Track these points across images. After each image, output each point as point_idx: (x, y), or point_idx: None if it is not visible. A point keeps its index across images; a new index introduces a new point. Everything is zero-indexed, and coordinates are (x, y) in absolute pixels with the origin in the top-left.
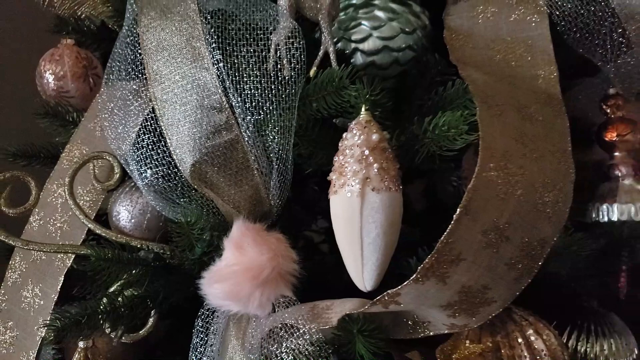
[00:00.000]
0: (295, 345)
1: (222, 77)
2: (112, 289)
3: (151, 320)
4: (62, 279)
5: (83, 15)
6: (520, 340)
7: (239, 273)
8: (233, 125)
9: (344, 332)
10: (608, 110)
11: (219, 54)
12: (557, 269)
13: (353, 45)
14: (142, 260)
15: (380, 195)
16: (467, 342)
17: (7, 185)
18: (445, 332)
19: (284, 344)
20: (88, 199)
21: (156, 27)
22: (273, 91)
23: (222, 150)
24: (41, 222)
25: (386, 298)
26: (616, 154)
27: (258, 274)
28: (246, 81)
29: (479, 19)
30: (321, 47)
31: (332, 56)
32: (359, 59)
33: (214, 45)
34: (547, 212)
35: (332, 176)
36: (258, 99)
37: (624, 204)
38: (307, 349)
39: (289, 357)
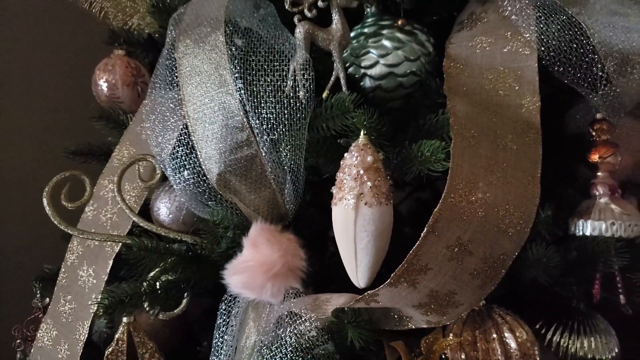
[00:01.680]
0: (298, 331)
1: (243, 102)
2: (151, 274)
3: (184, 301)
4: (111, 262)
5: (133, 26)
6: (494, 335)
7: (253, 267)
8: (252, 142)
9: (338, 321)
10: (594, 134)
11: (241, 82)
12: (535, 276)
13: (362, 70)
14: (176, 251)
15: (372, 209)
16: (451, 335)
17: (66, 182)
18: (425, 326)
19: (289, 329)
20: (134, 194)
21: (190, 54)
22: (285, 115)
23: (243, 162)
24: (94, 213)
25: (367, 297)
26: (599, 174)
27: (270, 268)
28: (263, 107)
29: (477, 49)
30: (333, 73)
31: (342, 81)
32: (367, 83)
33: (236, 74)
34: (509, 231)
35: (334, 190)
36: (273, 122)
37: (597, 221)
38: (308, 334)
39: (291, 339)
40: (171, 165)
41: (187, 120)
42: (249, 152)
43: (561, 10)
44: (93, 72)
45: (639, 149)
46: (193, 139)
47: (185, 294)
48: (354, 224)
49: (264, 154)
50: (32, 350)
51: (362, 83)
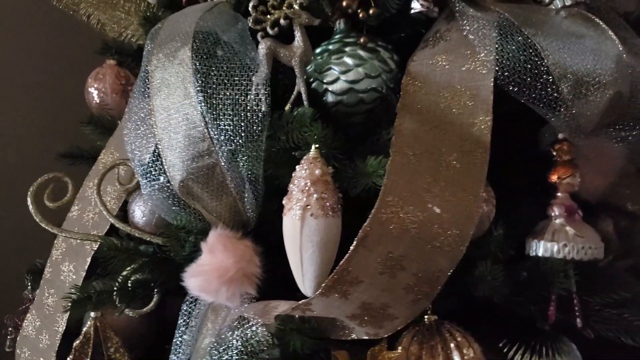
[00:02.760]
0: (244, 334)
1: (204, 113)
2: (124, 273)
3: (154, 300)
4: (90, 260)
5: (128, 37)
6: (440, 352)
7: (208, 272)
8: (213, 152)
9: (281, 328)
10: (555, 154)
11: (202, 95)
12: (484, 294)
13: (325, 86)
14: (144, 252)
15: (317, 221)
16: (400, 347)
17: (50, 183)
18: (365, 337)
19: (236, 332)
20: (114, 196)
21: (161, 67)
22: (242, 127)
23: (205, 171)
24: (79, 212)
25: (302, 306)
26: (558, 194)
27: (224, 273)
28: (221, 118)
29: (437, 67)
30: (295, 88)
31: (304, 96)
32: (329, 98)
33: (199, 87)
34: (444, 248)
35: (284, 200)
36: (230, 134)
37: (549, 242)
38: (254, 339)
39: (237, 343)
40: (140, 170)
41: (155, 129)
42: (209, 161)
43: (518, 30)
44: (86, 79)
45: (611, 170)
46: (160, 146)
47: (155, 293)
48: (300, 234)
49: (222, 163)
50: (18, 338)
51: (324, 98)
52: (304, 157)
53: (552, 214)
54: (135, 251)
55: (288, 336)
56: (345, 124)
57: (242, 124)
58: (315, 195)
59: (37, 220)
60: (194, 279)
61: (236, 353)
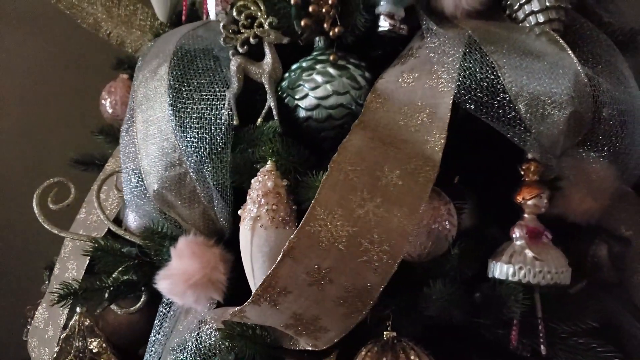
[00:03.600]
0: (199, 337)
1: (174, 126)
2: (114, 274)
3: (142, 300)
4: (89, 259)
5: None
6: None
7: (175, 275)
8: (183, 162)
9: (229, 332)
10: (522, 174)
11: (172, 109)
12: (436, 314)
13: (295, 102)
14: (128, 254)
15: (267, 232)
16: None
17: (54, 187)
18: (309, 348)
19: (193, 334)
20: (116, 200)
21: (144, 83)
22: (207, 140)
23: (177, 180)
24: (85, 215)
25: (238, 312)
26: (525, 215)
27: (189, 278)
28: (188, 131)
29: (404, 83)
30: (266, 103)
31: (274, 111)
32: (300, 113)
33: (170, 102)
34: (373, 264)
35: (239, 211)
36: (196, 145)
37: (506, 264)
38: (208, 341)
39: (193, 344)
40: (124, 177)
41: (136, 140)
42: (180, 170)
43: (478, 48)
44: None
45: (601, 191)
46: (139, 156)
47: (143, 293)
48: (251, 244)
49: (191, 173)
50: (30, 328)
51: (296, 113)
52: (260, 170)
53: (513, 236)
54: (118, 252)
55: (233, 341)
56: (317, 138)
57: (207, 136)
58: (265, 207)
59: (40, 220)
60: (163, 282)
61: (191, 354)
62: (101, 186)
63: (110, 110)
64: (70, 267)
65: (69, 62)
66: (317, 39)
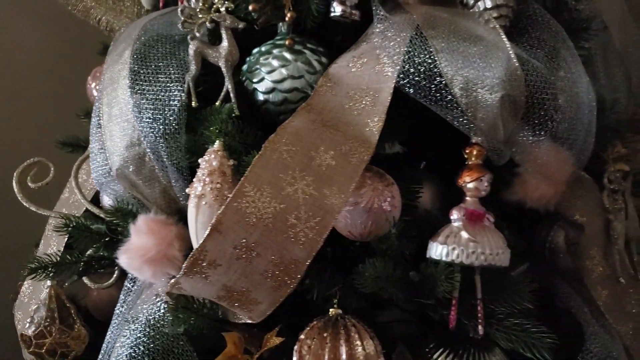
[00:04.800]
0: (150, 309)
1: (133, 107)
2: (89, 251)
3: (114, 276)
4: (67, 236)
5: None
6: (342, 341)
7: (132, 251)
8: (142, 142)
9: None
10: (466, 157)
11: (130, 91)
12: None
13: (253, 85)
14: (96, 230)
15: (210, 210)
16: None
17: (34, 167)
18: (248, 321)
19: (145, 306)
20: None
21: (111, 67)
22: (161, 120)
23: (137, 159)
24: (68, 194)
25: (174, 283)
26: (467, 198)
27: (145, 253)
28: (144, 112)
29: (353, 68)
30: (224, 87)
31: (231, 94)
32: (258, 96)
33: (129, 84)
34: (299, 240)
35: (187, 189)
36: (151, 126)
37: (441, 245)
38: (157, 313)
39: (142, 317)
40: (91, 156)
41: (101, 121)
42: (140, 150)
43: (420, 33)
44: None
45: (557, 178)
46: (104, 136)
47: (116, 270)
48: (195, 221)
49: (149, 152)
50: (16, 302)
51: (254, 96)
52: (208, 150)
53: (451, 217)
54: (88, 229)
55: (177, 312)
56: (276, 121)
57: (160, 117)
58: (210, 185)
59: (19, 198)
60: (122, 257)
61: (141, 325)
62: (79, 166)
63: (95, 94)
64: (52, 243)
65: (57, 47)
66: (279, 24)
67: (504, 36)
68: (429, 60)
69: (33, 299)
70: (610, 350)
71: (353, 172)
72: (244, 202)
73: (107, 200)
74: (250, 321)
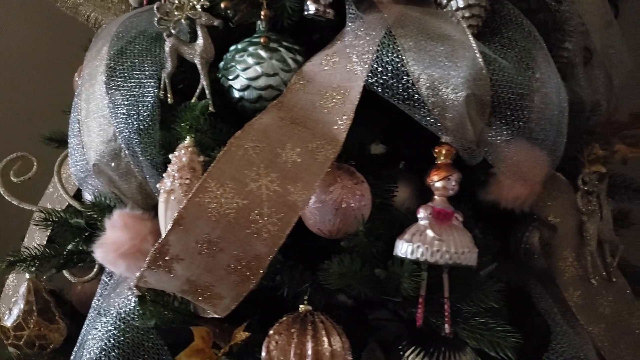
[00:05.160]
0: (121, 301)
1: (108, 103)
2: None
3: (95, 269)
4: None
5: None
6: (309, 337)
7: (107, 245)
8: (117, 137)
9: (141, 299)
10: (435, 156)
11: (106, 87)
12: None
13: (229, 82)
14: (75, 224)
15: (179, 205)
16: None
17: (17, 161)
18: (216, 315)
19: (117, 299)
20: None
21: (90, 63)
22: (135, 116)
23: (112, 154)
24: (52, 189)
25: (138, 277)
26: (435, 197)
27: (118, 247)
28: (119, 108)
29: (326, 66)
30: (200, 83)
31: (206, 90)
32: (234, 93)
33: (105, 80)
34: (262, 235)
35: (158, 184)
36: (125, 122)
37: (406, 242)
38: (127, 306)
39: (113, 310)
40: (70, 152)
41: (79, 116)
42: (116, 145)
43: (389, 32)
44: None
45: (531, 178)
46: (82, 131)
47: (96, 264)
48: (165, 216)
49: (124, 147)
50: (1, 296)
51: (230, 93)
52: (179, 145)
53: (418, 216)
54: (65, 223)
55: (145, 305)
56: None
57: (134, 112)
58: (179, 181)
59: (1, 191)
60: (97, 250)
61: (112, 319)
62: (62, 162)
63: None
64: (36, 237)
65: (44, 43)
66: (258, 22)
67: (470, 35)
68: (397, 59)
69: (16, 292)
70: (577, 351)
71: (319, 169)
72: (207, 197)
73: (87, 196)
74: (216, 315)
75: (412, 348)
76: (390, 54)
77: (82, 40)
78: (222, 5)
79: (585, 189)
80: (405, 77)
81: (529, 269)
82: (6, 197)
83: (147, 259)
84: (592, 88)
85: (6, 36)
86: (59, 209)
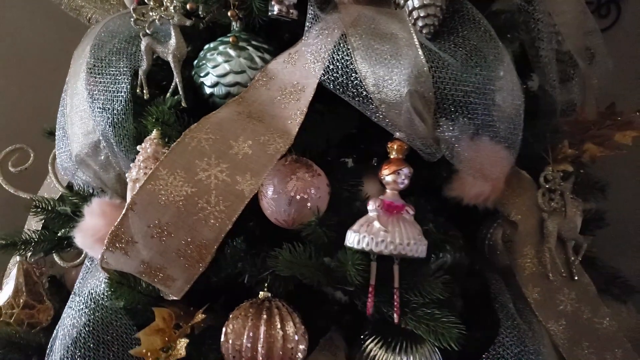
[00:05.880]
0: (92, 283)
1: (87, 98)
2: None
3: (83, 254)
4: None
5: None
6: (262, 322)
7: (85, 230)
8: (96, 130)
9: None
10: (388, 151)
11: (85, 82)
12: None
13: (200, 79)
14: (61, 211)
15: None
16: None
17: (15, 153)
18: (173, 298)
19: (89, 281)
20: None
21: (75, 60)
22: (110, 110)
23: (92, 146)
24: (50, 179)
25: (100, 259)
26: (387, 190)
27: (95, 233)
28: (96, 102)
29: (287, 65)
30: (173, 80)
31: (179, 87)
32: (205, 89)
33: (85, 76)
34: (209, 222)
35: (127, 173)
36: (101, 115)
37: (354, 233)
38: (98, 287)
39: (85, 291)
40: (56, 143)
41: (65, 110)
42: (95, 137)
43: (342, 31)
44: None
45: (492, 174)
46: (67, 124)
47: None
48: None
49: (101, 139)
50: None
51: (202, 90)
52: (147, 138)
53: (368, 208)
54: (53, 210)
55: (112, 286)
56: None
57: (109, 106)
58: (144, 171)
59: None
60: (76, 235)
61: (84, 299)
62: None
63: None
64: (33, 223)
65: (45, 38)
66: (233, 22)
67: (414, 34)
68: (347, 58)
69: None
70: (526, 345)
71: (268, 161)
72: (158, 184)
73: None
74: (174, 297)
75: (372, 338)
76: (341, 53)
77: (81, 36)
78: (188, 6)
79: (547, 186)
80: (354, 75)
81: (493, 265)
82: (4, 186)
83: (105, 240)
84: (567, 88)
85: (5, 31)
86: (53, 198)
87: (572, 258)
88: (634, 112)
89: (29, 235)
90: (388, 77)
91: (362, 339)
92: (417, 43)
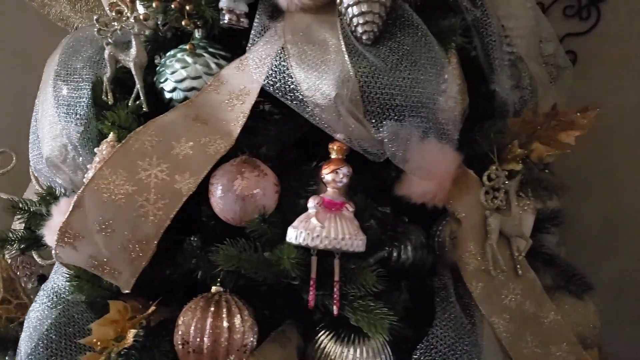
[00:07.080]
0: (56, 278)
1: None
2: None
3: None
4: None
5: None
6: (210, 314)
7: (52, 228)
8: (62, 134)
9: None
10: (329, 152)
11: (51, 89)
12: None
13: (160, 85)
14: (36, 211)
15: None
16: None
17: None
18: (126, 291)
19: (54, 276)
20: None
21: (47, 68)
22: (73, 115)
23: (61, 149)
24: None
25: (55, 253)
26: (327, 189)
27: None
28: (61, 108)
29: (237, 71)
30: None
31: (141, 92)
32: (165, 94)
33: (52, 83)
34: (148, 218)
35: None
36: (66, 120)
37: (293, 228)
38: (61, 281)
39: (49, 285)
40: (29, 147)
41: (37, 115)
42: (63, 141)
43: (282, 37)
44: None
45: (439, 175)
46: (38, 129)
47: None
48: None
49: (67, 143)
50: None
51: (162, 95)
52: (103, 140)
53: (308, 205)
54: (28, 209)
55: (72, 281)
56: None
57: (72, 112)
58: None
59: None
60: (45, 233)
61: (47, 293)
62: None
63: None
64: (17, 224)
65: (31, 43)
66: (195, 30)
67: (342, 41)
68: (284, 64)
69: None
70: (461, 337)
71: (207, 161)
72: (102, 183)
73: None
74: (125, 291)
75: (324, 331)
76: (279, 59)
77: None
78: (141, 17)
79: (491, 185)
80: (290, 80)
81: (444, 261)
82: None
83: (55, 236)
84: (519, 88)
85: None
86: (31, 199)
87: (516, 254)
88: (574, 113)
89: (6, 233)
90: (319, 81)
91: (316, 332)
92: (344, 49)
